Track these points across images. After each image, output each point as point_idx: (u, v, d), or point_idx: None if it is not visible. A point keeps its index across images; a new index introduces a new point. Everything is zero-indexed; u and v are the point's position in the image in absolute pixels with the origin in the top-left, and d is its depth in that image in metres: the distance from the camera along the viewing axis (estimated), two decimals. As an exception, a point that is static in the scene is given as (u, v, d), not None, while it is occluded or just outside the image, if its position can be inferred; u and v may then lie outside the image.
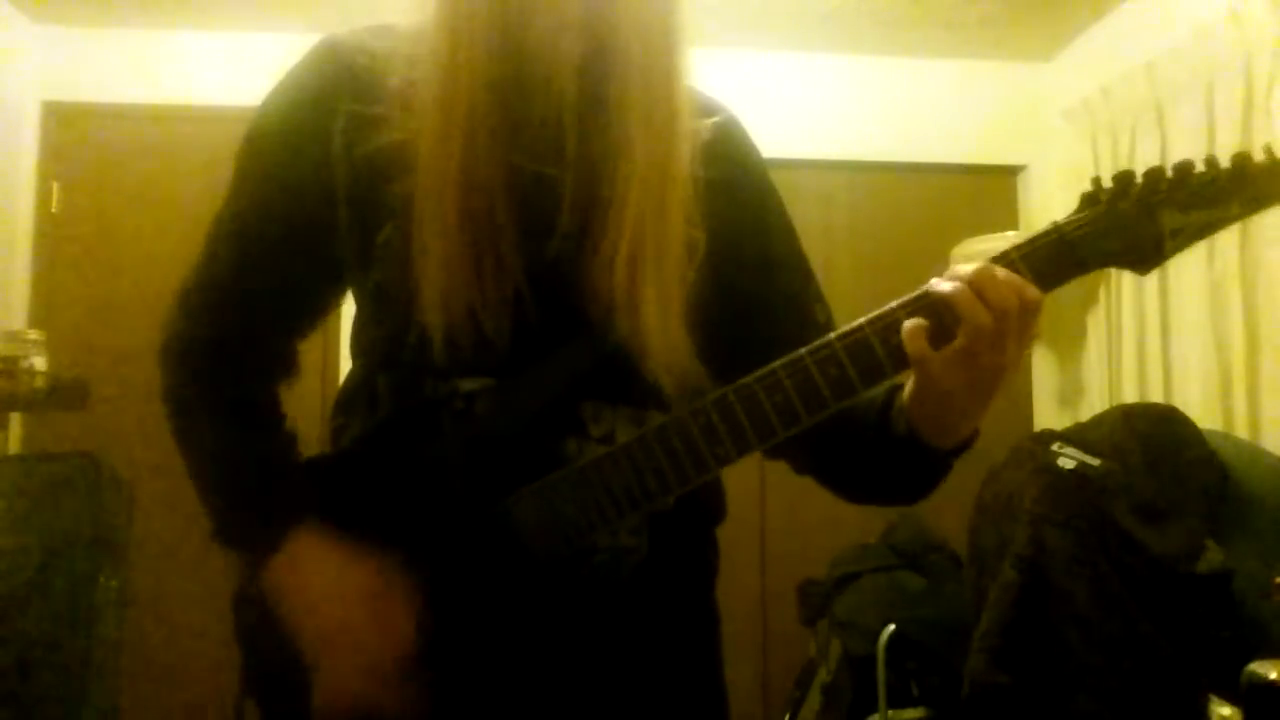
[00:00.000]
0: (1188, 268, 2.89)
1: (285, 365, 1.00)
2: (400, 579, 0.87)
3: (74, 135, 3.56)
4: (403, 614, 0.86)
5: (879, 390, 0.90)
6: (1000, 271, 0.81)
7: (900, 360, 0.83)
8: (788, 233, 1.04)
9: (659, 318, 0.87)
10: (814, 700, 2.91)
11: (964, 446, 0.91)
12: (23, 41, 3.49)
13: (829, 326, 0.96)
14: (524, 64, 0.87)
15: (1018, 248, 0.83)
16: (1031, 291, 0.81)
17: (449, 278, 0.84)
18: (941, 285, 0.81)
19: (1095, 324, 3.39)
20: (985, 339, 0.80)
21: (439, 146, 0.85)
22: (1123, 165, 3.22)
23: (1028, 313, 0.80)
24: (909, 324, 0.82)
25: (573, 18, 0.85)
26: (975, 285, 0.80)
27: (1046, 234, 0.84)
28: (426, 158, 0.85)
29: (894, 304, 0.84)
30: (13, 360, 2.85)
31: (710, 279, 0.92)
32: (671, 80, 0.90)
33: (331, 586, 0.87)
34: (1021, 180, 3.90)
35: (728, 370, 0.88)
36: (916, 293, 0.84)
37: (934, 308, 0.82)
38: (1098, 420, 2.43)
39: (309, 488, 0.93)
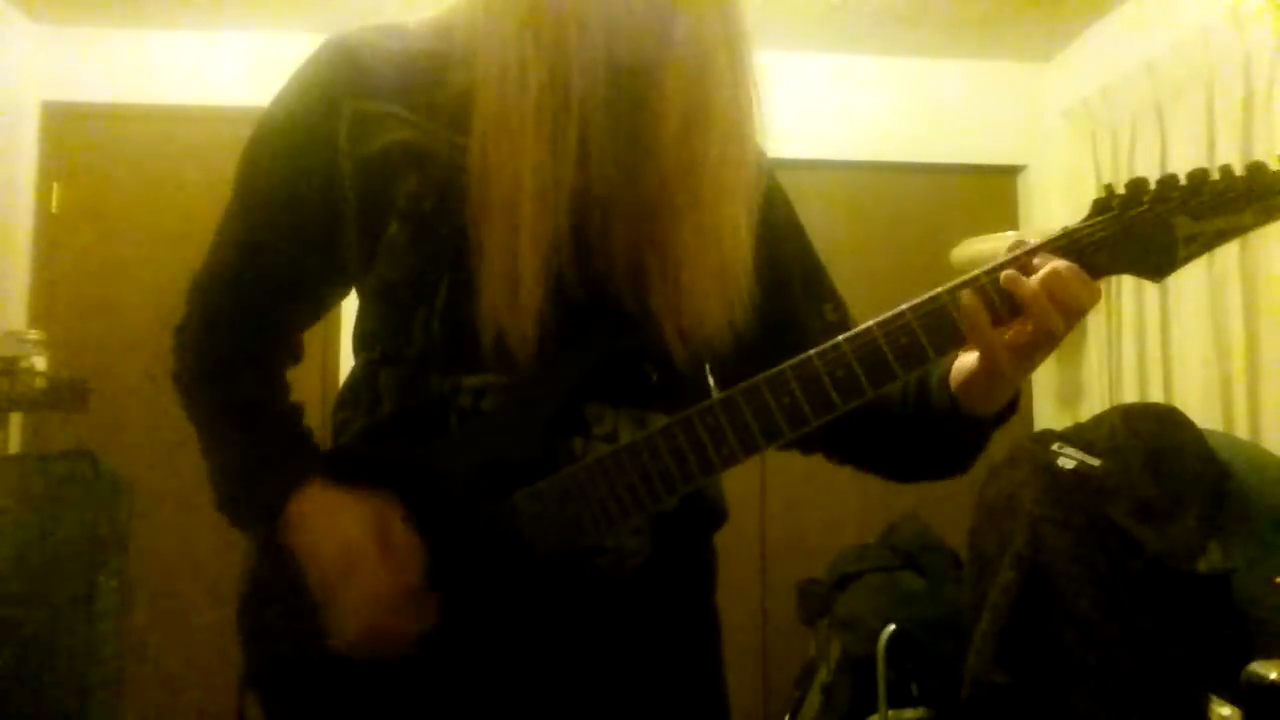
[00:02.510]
0: (1188, 268, 2.87)
1: (288, 352, 1.02)
2: (401, 516, 0.88)
3: (74, 135, 3.55)
4: (407, 545, 0.86)
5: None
6: (1067, 272, 0.81)
7: (909, 362, 0.83)
8: (799, 235, 1.05)
9: (712, 333, 0.88)
10: (814, 700, 2.91)
11: (1009, 411, 0.92)
12: (23, 41, 3.49)
13: (842, 323, 0.97)
14: (592, 70, 0.86)
15: (1029, 252, 0.83)
16: (1094, 290, 0.82)
17: (513, 286, 0.84)
18: (1023, 286, 0.82)
19: (1095, 324, 3.39)
20: (1059, 335, 0.82)
21: (511, 167, 0.85)
22: (1123, 165, 3.24)
23: (1082, 309, 0.82)
24: (974, 310, 0.82)
25: (643, 25, 0.86)
26: (1048, 287, 0.81)
27: (1059, 239, 0.83)
28: (497, 178, 0.85)
29: (904, 307, 0.84)
30: (13, 360, 2.85)
31: None
32: (743, 109, 0.91)
33: (339, 529, 0.87)
34: (1021, 180, 3.90)
35: (737, 370, 0.88)
36: (927, 296, 0.84)
37: (947, 313, 0.83)
38: (1098, 420, 2.42)
39: (314, 450, 0.95)
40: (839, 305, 1.03)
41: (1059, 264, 0.82)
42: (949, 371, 0.92)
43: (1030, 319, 0.82)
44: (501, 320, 0.85)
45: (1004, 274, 0.82)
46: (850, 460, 1.03)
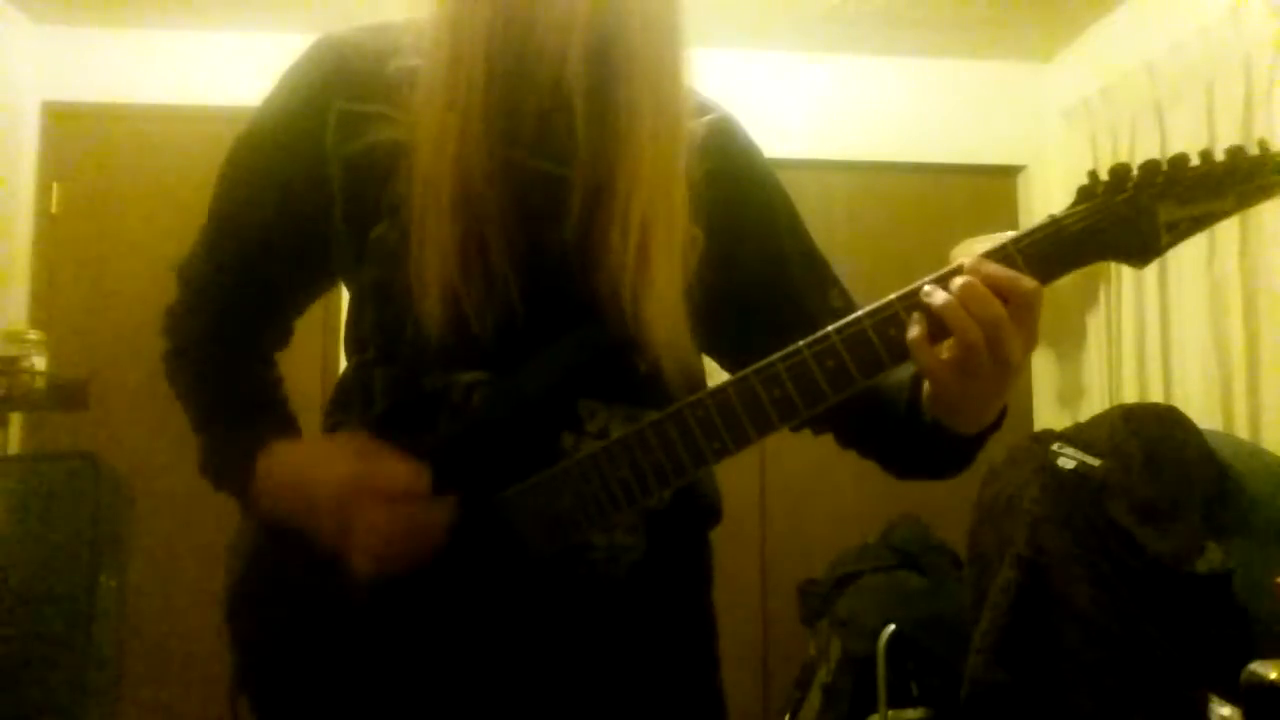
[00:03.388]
0: (1188, 268, 2.89)
1: (277, 337, 1.04)
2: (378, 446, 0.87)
3: (74, 135, 3.55)
4: (401, 459, 0.86)
5: (905, 373, 0.90)
6: (982, 280, 0.79)
7: (898, 353, 0.83)
8: (795, 223, 1.05)
9: (665, 312, 0.87)
10: (814, 700, 2.91)
11: (993, 428, 0.91)
12: (23, 41, 3.49)
13: (848, 309, 0.96)
14: (527, 58, 0.87)
15: (1015, 240, 0.83)
16: (1025, 284, 0.80)
17: (441, 269, 0.84)
18: (935, 296, 0.81)
19: (1095, 324, 3.40)
20: (980, 349, 0.79)
21: (437, 137, 0.85)
22: (1123, 165, 3.24)
23: (1023, 309, 0.80)
24: (912, 335, 0.81)
25: (577, 13, 0.85)
26: (962, 299, 0.79)
27: (1044, 227, 0.83)
28: (424, 147, 0.86)
29: (892, 296, 0.84)
30: (13, 360, 2.85)
31: (720, 274, 0.92)
32: (675, 76, 0.91)
33: (318, 460, 0.88)
34: (1021, 180, 3.90)
35: (747, 363, 0.88)
36: (913, 286, 0.83)
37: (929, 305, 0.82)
38: (1098, 420, 2.43)
39: (286, 414, 0.97)
40: (844, 291, 1.03)
41: (976, 271, 0.80)
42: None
43: (953, 333, 0.80)
44: (420, 294, 0.85)
45: (924, 287, 0.82)
46: (853, 447, 1.03)
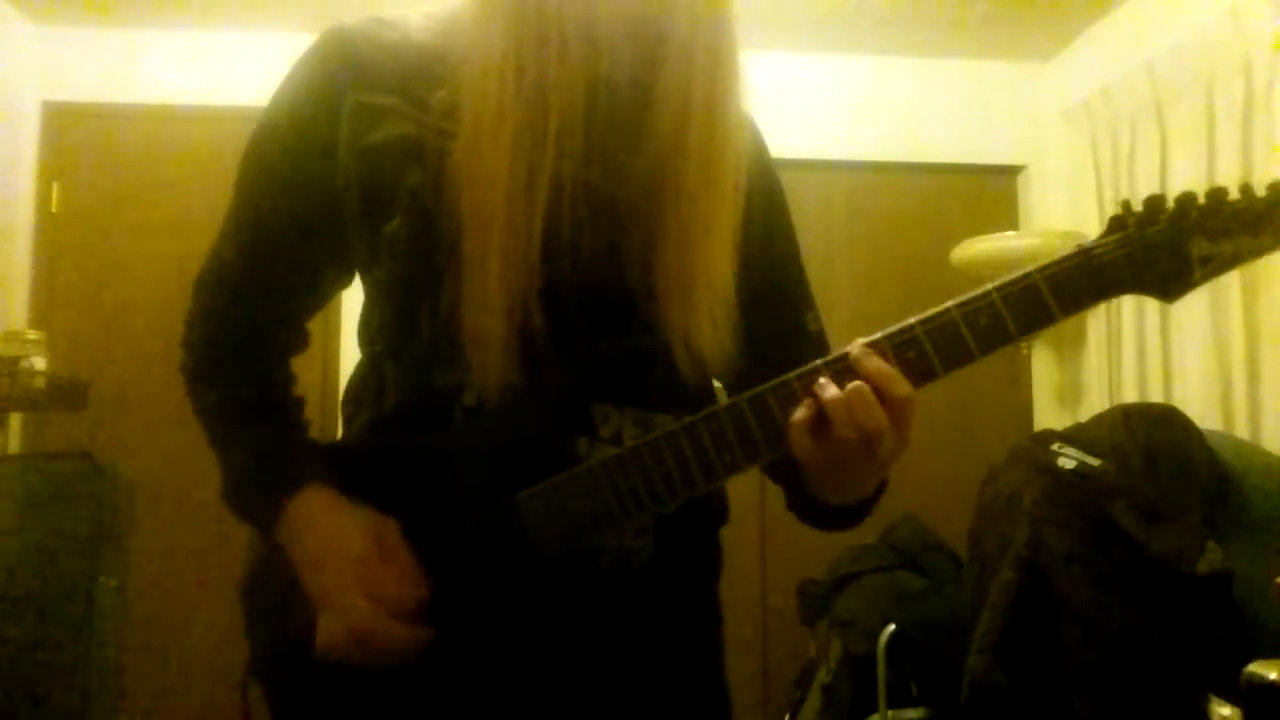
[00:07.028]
0: (1188, 268, 2.89)
1: (294, 342, 1.03)
2: (400, 532, 0.88)
3: (74, 135, 3.56)
4: (407, 559, 0.87)
5: None
6: (864, 377, 0.80)
7: (915, 378, 0.82)
8: (790, 237, 1.05)
9: (712, 328, 0.87)
10: (814, 700, 2.91)
11: (873, 500, 0.93)
12: (23, 41, 3.49)
13: (820, 334, 0.99)
14: (575, 71, 0.86)
15: (1041, 268, 0.81)
16: (900, 389, 0.80)
17: (508, 286, 0.84)
18: (826, 391, 0.81)
19: (1095, 324, 3.39)
20: (854, 447, 0.80)
21: (488, 153, 0.84)
22: (1123, 165, 3.24)
23: (899, 413, 0.80)
24: (794, 419, 0.81)
25: (629, 25, 0.85)
26: (849, 401, 0.79)
27: (1073, 256, 0.81)
28: (474, 159, 0.85)
29: (912, 320, 0.82)
30: (13, 360, 2.85)
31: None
32: (729, 85, 0.90)
33: (341, 533, 0.87)
34: (1021, 180, 3.90)
35: (723, 378, 0.88)
36: (938, 309, 0.82)
37: (956, 327, 0.81)
38: (1098, 420, 2.43)
39: (314, 449, 0.95)
40: (818, 316, 1.03)
41: (860, 366, 0.80)
42: None
43: (832, 429, 0.80)
44: (474, 323, 0.85)
45: (819, 379, 0.82)
46: (778, 484, 1.03)
